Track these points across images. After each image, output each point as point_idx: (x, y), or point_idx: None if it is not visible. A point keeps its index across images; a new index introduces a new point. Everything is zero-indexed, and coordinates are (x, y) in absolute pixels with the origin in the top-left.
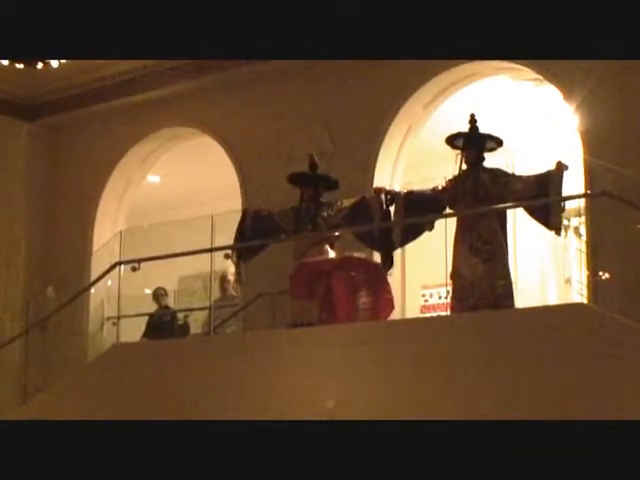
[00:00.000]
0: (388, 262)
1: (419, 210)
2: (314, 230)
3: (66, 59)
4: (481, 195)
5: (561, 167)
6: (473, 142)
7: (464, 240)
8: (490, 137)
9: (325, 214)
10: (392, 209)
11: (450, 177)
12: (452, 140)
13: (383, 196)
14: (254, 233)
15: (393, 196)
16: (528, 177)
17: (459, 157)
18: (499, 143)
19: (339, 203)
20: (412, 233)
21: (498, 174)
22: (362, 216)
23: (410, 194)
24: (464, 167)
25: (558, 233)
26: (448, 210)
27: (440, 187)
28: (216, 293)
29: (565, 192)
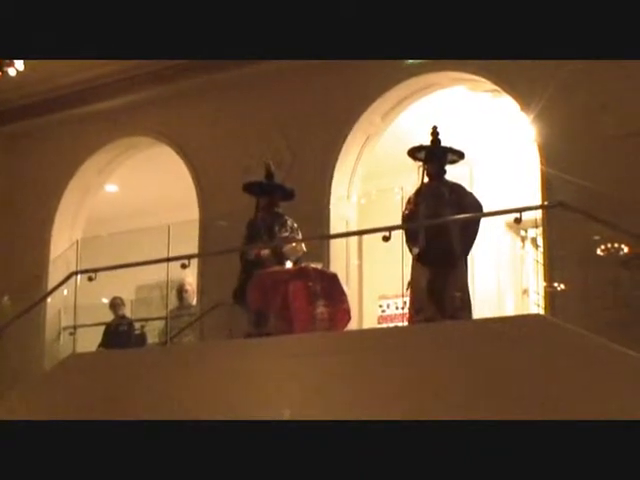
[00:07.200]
0: None
1: None
2: (270, 240)
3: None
4: (442, 207)
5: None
6: (435, 155)
7: None
8: (452, 150)
9: (283, 232)
10: None
11: (411, 190)
12: (414, 152)
13: None
14: None
15: None
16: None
17: (421, 169)
18: (461, 156)
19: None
20: None
21: (457, 187)
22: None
23: None
24: (426, 179)
25: None
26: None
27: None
28: (174, 302)
29: (523, 203)
